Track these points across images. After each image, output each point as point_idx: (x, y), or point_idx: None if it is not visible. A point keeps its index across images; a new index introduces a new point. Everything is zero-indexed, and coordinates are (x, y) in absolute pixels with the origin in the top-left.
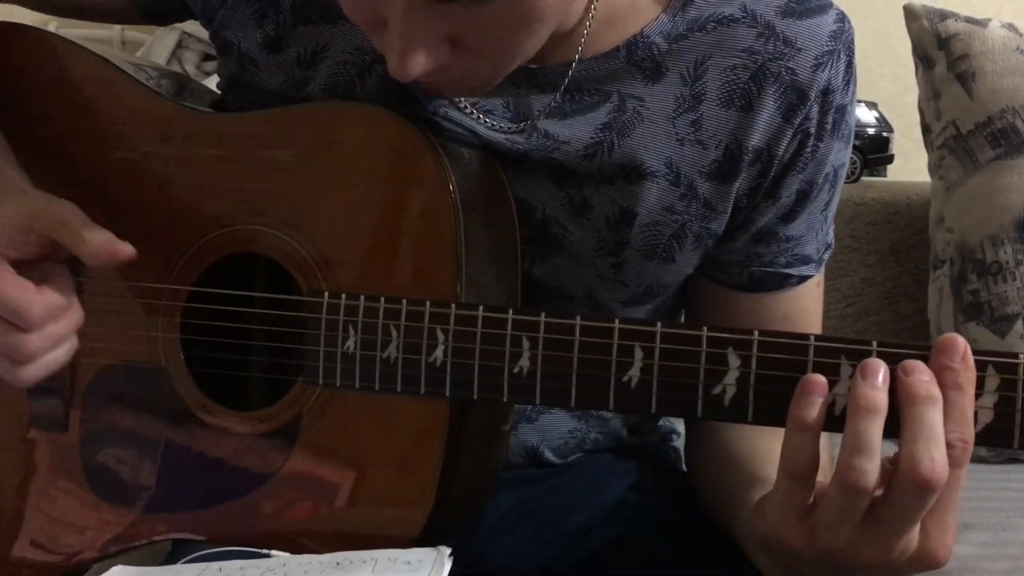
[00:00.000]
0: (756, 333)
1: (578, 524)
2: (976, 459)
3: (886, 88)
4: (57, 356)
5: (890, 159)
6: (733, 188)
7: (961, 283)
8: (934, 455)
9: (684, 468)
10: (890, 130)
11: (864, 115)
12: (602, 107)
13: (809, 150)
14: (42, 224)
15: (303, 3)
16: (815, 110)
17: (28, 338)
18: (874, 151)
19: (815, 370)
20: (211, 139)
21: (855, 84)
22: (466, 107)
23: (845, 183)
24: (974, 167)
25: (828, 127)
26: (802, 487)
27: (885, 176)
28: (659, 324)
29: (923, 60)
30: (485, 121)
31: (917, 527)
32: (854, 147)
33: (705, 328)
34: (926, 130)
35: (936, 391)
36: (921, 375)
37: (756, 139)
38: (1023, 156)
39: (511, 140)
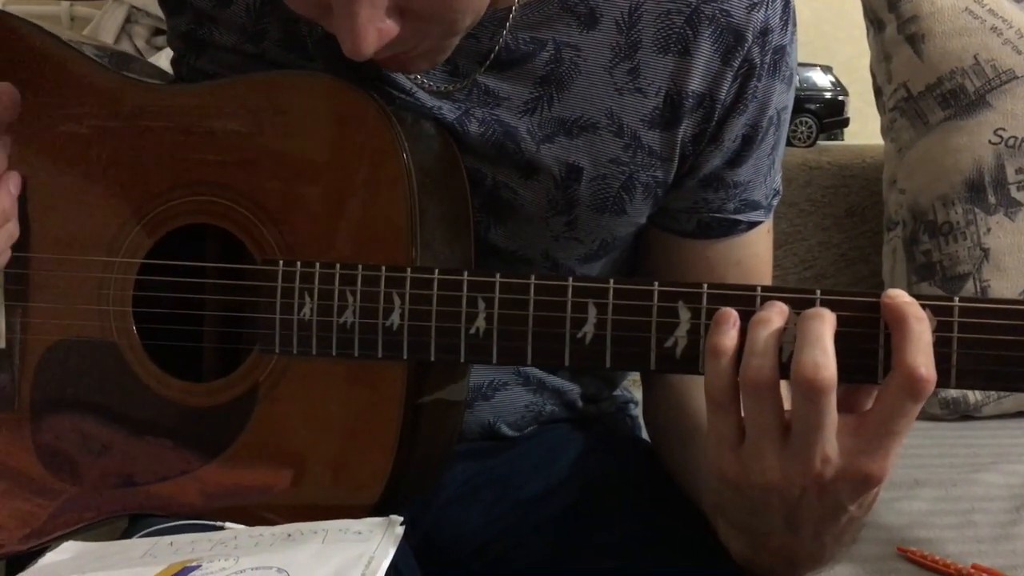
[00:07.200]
0: (705, 286)
1: (534, 492)
2: (928, 417)
3: (842, 52)
4: None
5: (845, 122)
6: (677, 134)
7: (913, 244)
8: (817, 359)
9: (641, 435)
10: (845, 93)
11: (819, 79)
12: (538, 57)
13: (751, 92)
14: None
15: None
16: (755, 51)
17: None
18: (829, 115)
19: None
20: (160, 111)
21: (794, 26)
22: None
23: (801, 147)
24: (925, 128)
25: (768, 67)
26: (725, 414)
27: (842, 139)
28: (611, 281)
29: (874, 23)
30: (424, 82)
31: (825, 435)
32: (810, 111)
33: (656, 283)
34: (878, 92)
35: (824, 311)
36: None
37: (696, 84)
38: (972, 117)
39: (452, 99)
